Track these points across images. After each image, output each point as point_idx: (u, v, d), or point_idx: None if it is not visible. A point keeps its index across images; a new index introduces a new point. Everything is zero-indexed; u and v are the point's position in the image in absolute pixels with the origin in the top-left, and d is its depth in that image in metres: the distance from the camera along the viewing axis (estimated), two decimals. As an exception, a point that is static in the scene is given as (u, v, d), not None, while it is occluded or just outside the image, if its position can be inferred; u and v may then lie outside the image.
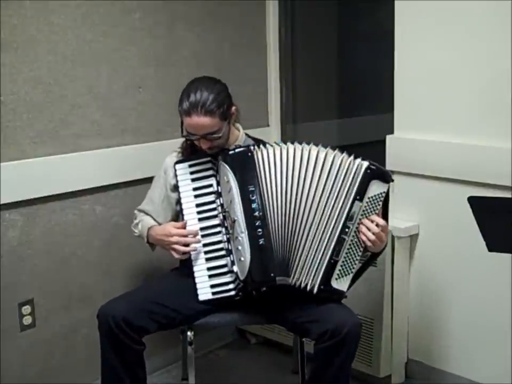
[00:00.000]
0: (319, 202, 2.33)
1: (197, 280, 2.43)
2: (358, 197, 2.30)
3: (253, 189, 2.34)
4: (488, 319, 2.77)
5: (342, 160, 2.34)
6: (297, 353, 2.63)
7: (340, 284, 2.33)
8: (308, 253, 2.33)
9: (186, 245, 2.43)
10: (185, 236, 2.44)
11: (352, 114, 3.97)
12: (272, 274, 2.33)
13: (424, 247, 2.94)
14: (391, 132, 2.97)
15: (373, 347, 2.95)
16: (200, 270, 2.44)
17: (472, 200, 1.88)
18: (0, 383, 2.66)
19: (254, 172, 2.36)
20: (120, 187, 2.97)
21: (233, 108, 2.45)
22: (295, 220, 2.34)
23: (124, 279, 3.02)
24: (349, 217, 2.30)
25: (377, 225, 2.30)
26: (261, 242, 2.33)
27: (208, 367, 3.18)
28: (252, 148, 2.39)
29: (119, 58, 2.91)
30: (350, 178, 2.32)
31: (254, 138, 2.61)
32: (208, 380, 3.02)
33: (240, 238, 2.35)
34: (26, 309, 2.74)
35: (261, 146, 2.40)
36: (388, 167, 2.97)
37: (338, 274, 2.32)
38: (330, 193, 2.33)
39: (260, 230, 2.34)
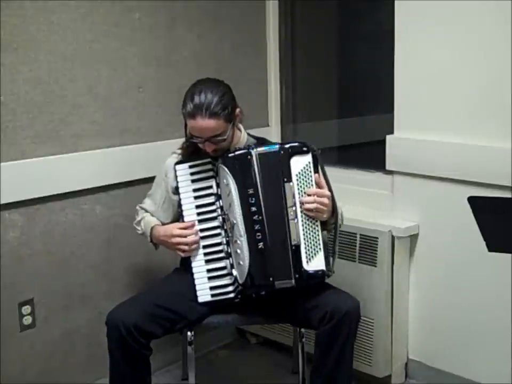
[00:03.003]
0: (274, 199, 2.35)
1: (196, 281, 2.44)
2: (285, 179, 2.34)
3: (252, 192, 2.34)
4: (488, 319, 2.77)
5: (272, 154, 2.36)
6: (297, 353, 2.64)
7: (313, 264, 2.34)
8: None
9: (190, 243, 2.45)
10: (186, 236, 2.44)
11: (352, 114, 3.96)
12: (271, 279, 2.34)
13: (424, 247, 2.94)
14: (391, 132, 2.97)
15: (373, 347, 2.95)
16: (200, 271, 2.44)
17: (472, 200, 1.88)
18: (0, 383, 2.66)
19: (253, 175, 2.36)
20: (120, 187, 2.97)
21: (238, 110, 2.44)
22: (279, 221, 2.36)
23: (124, 279, 3.03)
24: (287, 200, 2.34)
25: (318, 195, 2.34)
26: (260, 246, 2.34)
27: (208, 367, 3.18)
28: (252, 151, 2.38)
29: (119, 58, 2.91)
30: (274, 165, 2.35)
31: (255, 138, 2.61)
32: (208, 380, 3.02)
33: (239, 242, 2.35)
34: (26, 309, 2.74)
35: (257, 149, 2.39)
36: (388, 167, 2.98)
37: (307, 257, 2.33)
38: (272, 186, 2.35)
39: (258, 233, 2.34)
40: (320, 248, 2.35)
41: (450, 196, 2.78)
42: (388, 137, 2.97)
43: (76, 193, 2.82)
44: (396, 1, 2.87)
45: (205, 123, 2.33)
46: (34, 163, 2.68)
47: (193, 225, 2.45)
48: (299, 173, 2.35)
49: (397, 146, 2.95)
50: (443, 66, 2.77)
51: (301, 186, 2.35)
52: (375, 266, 2.89)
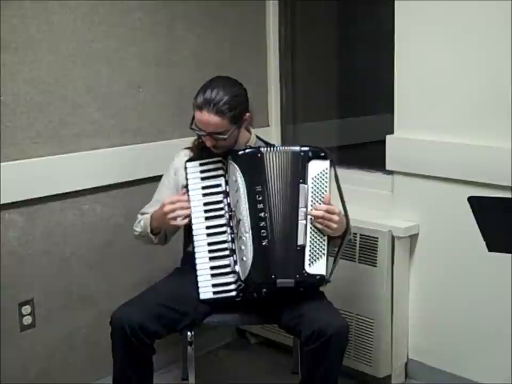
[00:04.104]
0: (288, 200, 2.37)
1: (199, 278, 2.43)
2: (301, 180, 2.37)
3: (260, 189, 2.37)
4: (488, 319, 2.77)
5: (284, 155, 2.40)
6: (297, 353, 2.63)
7: (315, 267, 2.33)
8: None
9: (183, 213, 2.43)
10: (175, 202, 2.43)
11: (352, 114, 3.97)
12: (273, 276, 2.33)
13: (424, 247, 2.94)
14: (391, 132, 2.97)
15: (373, 347, 2.95)
16: (203, 268, 2.44)
17: (472, 200, 1.88)
18: (0, 383, 2.66)
19: (262, 173, 2.38)
20: (120, 187, 2.97)
21: (247, 115, 2.46)
22: (288, 221, 2.36)
23: (124, 279, 3.02)
24: (300, 202, 2.36)
25: (328, 211, 2.34)
26: (264, 243, 2.34)
27: (208, 367, 3.18)
28: (262, 149, 2.41)
29: (119, 58, 2.91)
30: (292, 166, 2.39)
31: (264, 142, 2.63)
32: (208, 380, 3.02)
33: (244, 238, 2.35)
34: (26, 309, 2.74)
35: (271, 148, 2.42)
36: (388, 167, 2.98)
37: (310, 259, 2.33)
38: (287, 187, 2.38)
39: (264, 231, 2.34)
40: (324, 253, 2.35)
41: (450, 196, 2.78)
42: (388, 137, 2.97)
43: (76, 193, 2.82)
44: (395, 1, 2.87)
45: (210, 118, 2.36)
46: (34, 163, 2.68)
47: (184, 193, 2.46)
48: (315, 176, 2.38)
49: (397, 146, 2.95)
50: (443, 66, 2.77)
51: (315, 190, 2.37)
52: (375, 266, 2.89)
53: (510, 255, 2.34)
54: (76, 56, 2.77)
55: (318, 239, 2.36)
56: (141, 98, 3.01)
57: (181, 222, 2.44)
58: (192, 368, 2.54)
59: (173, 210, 2.41)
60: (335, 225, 2.36)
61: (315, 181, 2.38)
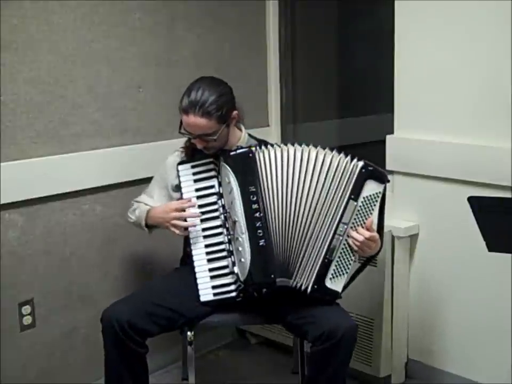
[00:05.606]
0: (317, 203, 2.34)
1: (198, 281, 2.43)
2: (352, 196, 2.32)
3: (254, 189, 2.34)
4: (488, 319, 2.77)
5: (339, 161, 2.35)
6: (297, 353, 2.63)
7: (334, 284, 2.33)
8: (306, 253, 2.34)
9: (186, 221, 2.42)
10: (184, 210, 2.43)
11: (352, 114, 3.97)
12: (272, 276, 2.33)
13: (424, 247, 2.94)
14: (391, 132, 2.97)
15: (373, 347, 2.95)
16: (202, 271, 2.44)
17: (472, 200, 1.88)
18: (0, 383, 2.66)
19: (255, 173, 2.35)
20: (121, 187, 2.97)
21: (234, 113, 2.44)
22: (295, 221, 2.34)
23: (124, 279, 3.02)
24: (344, 216, 2.31)
25: (370, 239, 2.31)
26: (261, 243, 2.33)
27: (208, 367, 3.18)
28: (253, 149, 2.39)
29: (119, 58, 2.91)
30: (346, 178, 2.33)
31: (256, 139, 2.61)
32: (208, 380, 3.02)
33: (240, 239, 2.34)
34: (26, 309, 2.74)
35: (262, 147, 2.39)
36: (388, 167, 2.98)
37: (332, 274, 2.32)
38: (327, 193, 2.34)
39: (260, 231, 2.33)
40: (346, 272, 2.34)
41: (450, 196, 2.79)
42: (388, 137, 2.97)
43: (76, 193, 2.82)
44: (395, 1, 2.87)
45: (196, 121, 2.34)
46: (34, 163, 2.68)
47: (190, 201, 2.44)
48: (367, 197, 2.33)
49: (397, 146, 2.95)
50: (443, 66, 2.77)
51: (362, 210, 2.33)
52: (375, 266, 2.89)
53: (510, 255, 2.35)
54: (76, 56, 2.77)
55: (347, 258, 2.34)
56: (141, 98, 3.01)
57: (181, 232, 2.44)
58: (192, 368, 2.54)
59: (177, 218, 2.42)
60: (369, 251, 2.36)
61: (365, 201, 2.33)
